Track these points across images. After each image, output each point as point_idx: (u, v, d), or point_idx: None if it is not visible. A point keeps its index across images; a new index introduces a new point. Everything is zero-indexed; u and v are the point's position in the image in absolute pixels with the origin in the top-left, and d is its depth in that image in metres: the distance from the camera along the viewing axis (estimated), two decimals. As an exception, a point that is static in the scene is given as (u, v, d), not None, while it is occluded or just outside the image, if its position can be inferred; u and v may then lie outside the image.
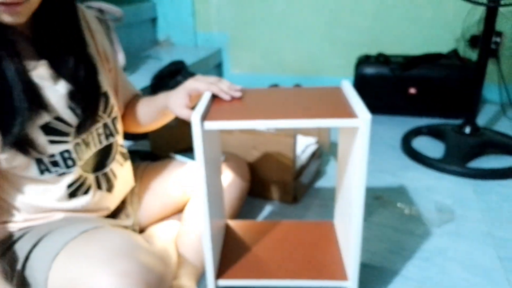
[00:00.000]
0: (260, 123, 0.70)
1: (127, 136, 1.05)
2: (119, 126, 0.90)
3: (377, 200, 1.31)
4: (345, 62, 2.27)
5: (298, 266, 0.88)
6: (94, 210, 0.85)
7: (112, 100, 0.87)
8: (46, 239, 0.73)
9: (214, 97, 0.83)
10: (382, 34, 2.24)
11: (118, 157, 0.91)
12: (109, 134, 0.87)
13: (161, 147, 1.39)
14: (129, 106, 1.00)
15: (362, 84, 2.02)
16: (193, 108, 0.80)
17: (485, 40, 1.51)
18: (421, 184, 1.41)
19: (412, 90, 1.96)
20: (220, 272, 0.87)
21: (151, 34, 2.50)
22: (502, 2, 1.41)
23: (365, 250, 1.07)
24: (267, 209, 1.28)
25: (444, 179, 1.44)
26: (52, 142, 0.74)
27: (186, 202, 1.04)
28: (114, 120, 0.87)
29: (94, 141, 0.83)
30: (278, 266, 0.88)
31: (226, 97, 0.82)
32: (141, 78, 1.70)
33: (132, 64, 1.96)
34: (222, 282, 0.85)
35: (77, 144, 0.79)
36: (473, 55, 2.05)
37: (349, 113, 0.72)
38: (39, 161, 0.73)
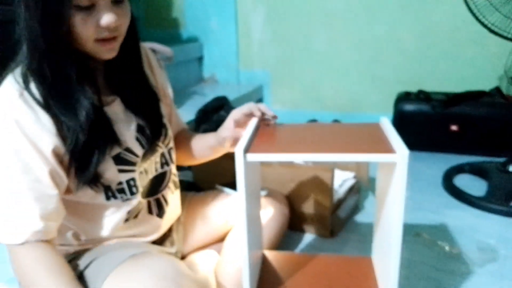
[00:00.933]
0: (300, 156, 0.73)
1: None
2: (174, 156, 0.96)
3: (418, 237, 1.29)
4: (384, 99, 2.29)
5: None
6: (143, 234, 0.89)
7: (170, 132, 0.94)
8: (97, 262, 0.78)
9: (257, 131, 0.87)
10: (423, 72, 2.24)
11: (171, 184, 0.95)
12: (165, 163, 0.92)
13: (204, 178, 1.45)
14: (178, 139, 1.06)
15: (402, 121, 2.02)
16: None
17: (528, 78, 1.49)
18: (463, 222, 1.38)
19: (454, 127, 1.93)
20: None
21: (197, 71, 2.64)
22: (545, 40, 1.40)
23: (404, 288, 1.06)
24: (304, 242, 1.29)
25: (487, 218, 1.40)
26: (121, 171, 0.80)
27: (227, 232, 1.07)
28: (170, 150, 0.94)
29: (151, 169, 0.89)
30: None
31: (269, 112, 0.87)
32: (187, 113, 1.79)
33: (179, 100, 2.06)
34: None
35: (141, 172, 0.85)
36: (517, 92, 2.01)
37: (387, 148, 0.73)
38: (107, 189, 0.79)
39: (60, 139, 0.71)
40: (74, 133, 0.71)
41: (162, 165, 0.92)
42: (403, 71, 2.27)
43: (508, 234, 1.30)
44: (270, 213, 1.11)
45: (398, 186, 0.71)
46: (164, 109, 0.94)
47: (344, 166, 1.46)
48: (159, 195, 0.92)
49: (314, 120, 2.26)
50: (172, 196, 0.96)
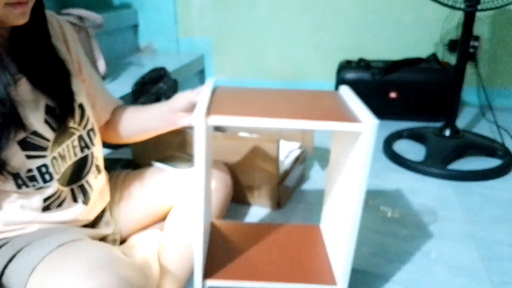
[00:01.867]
0: (267, 121, 0.69)
1: (108, 143, 1.04)
2: (95, 138, 0.89)
3: (361, 203, 1.31)
4: (327, 67, 2.29)
5: (287, 269, 0.87)
6: (70, 222, 0.84)
7: (88, 112, 0.86)
8: (23, 253, 0.72)
9: (213, 96, 0.82)
10: (363, 39, 2.27)
11: (94, 169, 0.89)
12: (84, 146, 0.85)
13: (143, 155, 1.38)
14: (115, 117, 0.99)
15: (344, 89, 2.04)
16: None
17: (463, 44, 1.54)
18: (403, 186, 1.42)
19: (393, 94, 1.98)
20: (208, 273, 0.85)
21: (133, 40, 2.48)
22: (479, 7, 1.44)
23: (349, 253, 1.07)
24: (251, 214, 1.28)
25: (425, 181, 1.46)
26: (29, 157, 0.73)
27: (168, 211, 1.03)
28: (89, 132, 0.86)
29: (70, 154, 0.82)
30: (266, 268, 0.87)
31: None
32: (123, 85, 1.69)
33: (114, 71, 1.94)
34: (210, 282, 0.83)
35: (54, 158, 0.77)
36: (452, 59, 2.09)
37: (352, 117, 0.71)
38: (16, 176, 0.72)
39: None
40: None
41: (82, 149, 0.84)
42: (345, 38, 2.29)
43: (446, 196, 1.36)
44: (212, 185, 1.08)
45: (363, 156, 0.70)
46: (80, 87, 0.85)
47: (289, 136, 1.45)
48: (83, 181, 0.85)
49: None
50: (96, 180, 0.90)
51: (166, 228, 0.99)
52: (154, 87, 1.60)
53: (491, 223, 1.21)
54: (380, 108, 2.03)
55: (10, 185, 0.72)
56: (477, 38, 2.10)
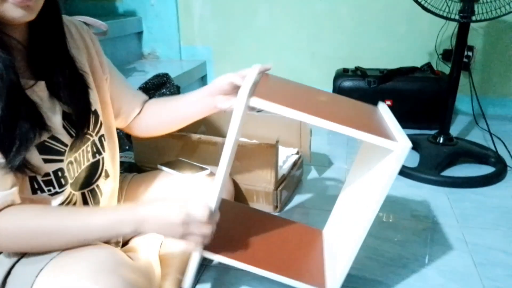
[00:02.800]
0: (307, 117, 0.68)
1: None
2: (106, 144, 0.90)
3: (356, 208, 1.35)
4: (324, 75, 2.33)
5: (280, 261, 0.87)
6: None
7: (101, 118, 0.87)
8: (30, 254, 0.72)
9: (259, 81, 0.81)
10: (360, 48, 2.31)
11: (104, 174, 0.90)
12: (96, 152, 0.86)
13: (145, 158, 1.41)
14: (145, 110, 1.00)
15: (341, 96, 2.08)
16: None
17: (457, 54, 1.58)
18: (397, 192, 1.46)
19: (388, 102, 2.03)
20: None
21: (137, 47, 2.53)
22: (473, 18, 1.48)
23: (344, 256, 1.10)
24: (250, 218, 1.31)
25: (419, 187, 1.49)
26: (46, 161, 0.74)
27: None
28: (101, 137, 0.88)
29: (83, 159, 0.83)
30: (260, 255, 0.87)
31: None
32: (125, 91, 1.72)
33: (116, 77, 1.97)
34: (206, 253, 0.83)
35: (70, 162, 0.79)
36: (446, 68, 2.14)
37: (389, 135, 0.71)
38: (32, 180, 0.73)
39: None
40: None
41: (93, 155, 0.86)
42: (342, 48, 2.33)
43: (440, 202, 1.39)
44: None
45: (388, 173, 0.70)
46: (95, 93, 0.86)
47: (286, 142, 1.49)
48: (94, 186, 0.87)
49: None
50: (105, 185, 0.91)
51: None
52: (157, 93, 1.64)
53: (483, 229, 1.23)
54: (376, 115, 2.07)
55: (26, 191, 0.73)
56: (471, 48, 2.16)
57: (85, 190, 0.85)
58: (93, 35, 0.90)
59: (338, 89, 2.07)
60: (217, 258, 0.83)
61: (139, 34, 2.53)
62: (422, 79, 2.02)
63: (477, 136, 1.95)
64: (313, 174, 1.60)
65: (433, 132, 1.73)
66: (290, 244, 0.95)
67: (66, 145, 0.77)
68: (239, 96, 0.68)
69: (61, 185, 0.77)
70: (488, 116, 2.04)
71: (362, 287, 1.00)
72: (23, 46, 0.71)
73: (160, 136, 1.04)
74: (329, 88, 2.18)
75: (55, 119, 0.76)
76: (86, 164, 0.84)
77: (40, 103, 0.72)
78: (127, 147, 1.57)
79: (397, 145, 0.68)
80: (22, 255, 0.72)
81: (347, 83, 2.06)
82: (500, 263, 1.08)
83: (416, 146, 1.76)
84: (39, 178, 0.74)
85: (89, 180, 0.86)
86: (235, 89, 0.86)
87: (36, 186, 0.74)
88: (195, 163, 1.20)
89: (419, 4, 1.48)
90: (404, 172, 1.57)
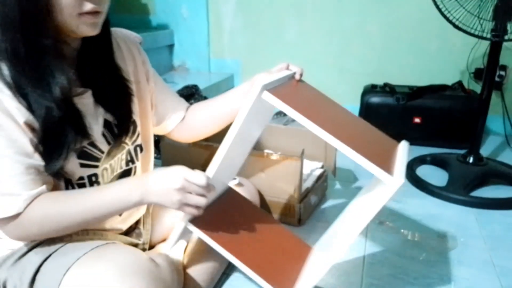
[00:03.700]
0: (312, 126, 0.69)
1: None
2: (140, 154, 0.92)
3: (381, 225, 1.33)
4: (351, 91, 2.33)
5: (258, 259, 0.87)
6: (102, 230, 0.87)
7: (139, 129, 0.90)
8: (58, 253, 0.75)
9: (288, 82, 0.84)
10: (389, 64, 2.30)
11: None
12: (130, 160, 0.89)
13: (172, 165, 1.43)
14: (190, 113, 1.03)
15: (367, 112, 2.07)
16: None
17: (489, 73, 1.56)
18: (425, 211, 1.43)
19: (417, 120, 2.00)
20: (195, 219, 0.85)
21: (168, 59, 2.61)
22: (506, 37, 1.46)
23: (368, 275, 1.09)
24: (273, 230, 1.31)
25: (447, 207, 1.47)
26: (82, 165, 0.77)
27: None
28: (136, 147, 0.90)
29: (117, 166, 0.86)
30: (241, 247, 0.87)
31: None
32: (155, 101, 1.77)
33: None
34: (191, 226, 0.84)
35: (105, 169, 0.82)
36: (477, 87, 2.09)
37: (389, 167, 0.72)
38: (68, 183, 0.77)
39: (31, 117, 0.68)
40: (48, 111, 0.68)
41: (127, 163, 0.89)
42: (370, 63, 2.33)
43: (467, 223, 1.36)
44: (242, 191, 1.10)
45: (375, 204, 0.71)
46: (136, 104, 0.90)
47: (312, 156, 1.49)
48: None
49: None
50: None
51: (192, 239, 1.02)
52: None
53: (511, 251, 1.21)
54: (404, 132, 2.03)
55: (60, 190, 0.76)
56: (504, 68, 2.11)
57: None
58: (139, 46, 0.94)
59: (365, 105, 2.06)
60: (201, 235, 0.84)
61: (171, 46, 2.60)
62: (453, 97, 1.99)
63: (508, 157, 1.90)
64: (337, 188, 1.59)
65: (462, 151, 1.70)
66: (276, 249, 0.95)
67: (103, 152, 0.81)
68: (256, 83, 0.71)
69: None
70: (520, 137, 1.99)
71: (385, 305, 0.99)
72: (74, 55, 0.76)
73: (188, 145, 1.06)
74: (356, 103, 2.17)
75: (97, 127, 0.79)
76: (119, 171, 0.87)
77: (84, 111, 0.76)
78: (156, 155, 1.61)
79: (389, 179, 0.69)
80: (50, 253, 0.75)
81: (375, 99, 2.05)
82: (529, 288, 1.05)
83: (445, 165, 1.73)
84: (74, 181, 0.77)
85: None
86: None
87: (69, 188, 0.77)
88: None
89: (451, 22, 1.47)
90: (432, 191, 1.54)
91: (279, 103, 0.71)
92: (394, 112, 2.03)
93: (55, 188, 0.76)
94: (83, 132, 0.75)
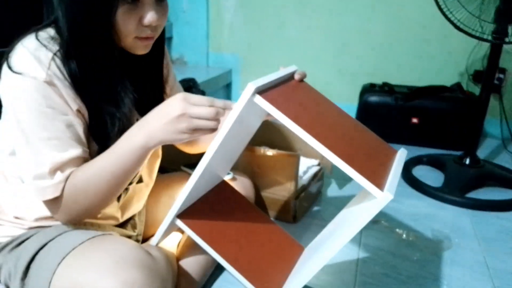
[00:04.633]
0: (300, 131, 0.67)
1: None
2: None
3: (376, 224, 1.33)
4: (350, 90, 2.33)
5: (244, 260, 0.85)
6: (103, 218, 0.88)
7: None
8: (54, 242, 0.75)
9: (283, 84, 0.81)
10: (388, 65, 2.30)
11: (137, 179, 0.92)
12: None
13: (168, 160, 1.43)
14: None
15: (366, 112, 2.07)
16: None
17: (488, 75, 1.56)
18: (420, 211, 1.43)
19: (415, 120, 2.00)
20: (183, 214, 0.84)
21: (166, 52, 2.58)
22: (507, 40, 1.46)
23: (362, 273, 1.09)
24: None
25: (442, 207, 1.47)
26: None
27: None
28: None
29: None
30: (228, 246, 0.85)
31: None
32: (153, 93, 1.75)
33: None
34: (179, 222, 0.82)
35: None
36: (476, 89, 2.10)
37: (380, 181, 0.70)
38: None
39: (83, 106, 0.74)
40: (114, 119, 0.75)
41: None
42: (370, 63, 2.32)
43: (462, 224, 1.36)
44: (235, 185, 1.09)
45: (365, 213, 0.71)
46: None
47: (309, 153, 1.49)
48: (128, 186, 0.89)
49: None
50: (136, 188, 0.93)
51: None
52: (183, 97, 1.67)
53: (506, 254, 1.21)
54: (401, 132, 2.05)
55: None
56: (503, 71, 2.11)
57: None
58: (166, 49, 0.95)
59: (364, 104, 2.06)
60: (186, 230, 0.83)
61: (169, 39, 2.58)
62: (451, 99, 1.99)
63: (505, 160, 1.90)
64: (333, 187, 1.59)
65: (459, 153, 1.70)
66: (265, 248, 0.93)
67: None
68: (249, 85, 0.68)
69: None
70: (517, 140, 1.99)
71: (378, 303, 0.99)
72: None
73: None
74: (355, 102, 2.17)
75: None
76: None
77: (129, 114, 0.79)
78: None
79: (378, 193, 0.68)
80: (46, 242, 0.75)
81: (374, 98, 2.05)
82: (522, 291, 1.05)
83: (441, 166, 1.73)
84: None
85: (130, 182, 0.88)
86: None
87: None
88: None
89: (452, 23, 1.47)
90: (428, 191, 1.54)
91: (271, 109, 0.68)
92: (392, 112, 2.03)
93: None
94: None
